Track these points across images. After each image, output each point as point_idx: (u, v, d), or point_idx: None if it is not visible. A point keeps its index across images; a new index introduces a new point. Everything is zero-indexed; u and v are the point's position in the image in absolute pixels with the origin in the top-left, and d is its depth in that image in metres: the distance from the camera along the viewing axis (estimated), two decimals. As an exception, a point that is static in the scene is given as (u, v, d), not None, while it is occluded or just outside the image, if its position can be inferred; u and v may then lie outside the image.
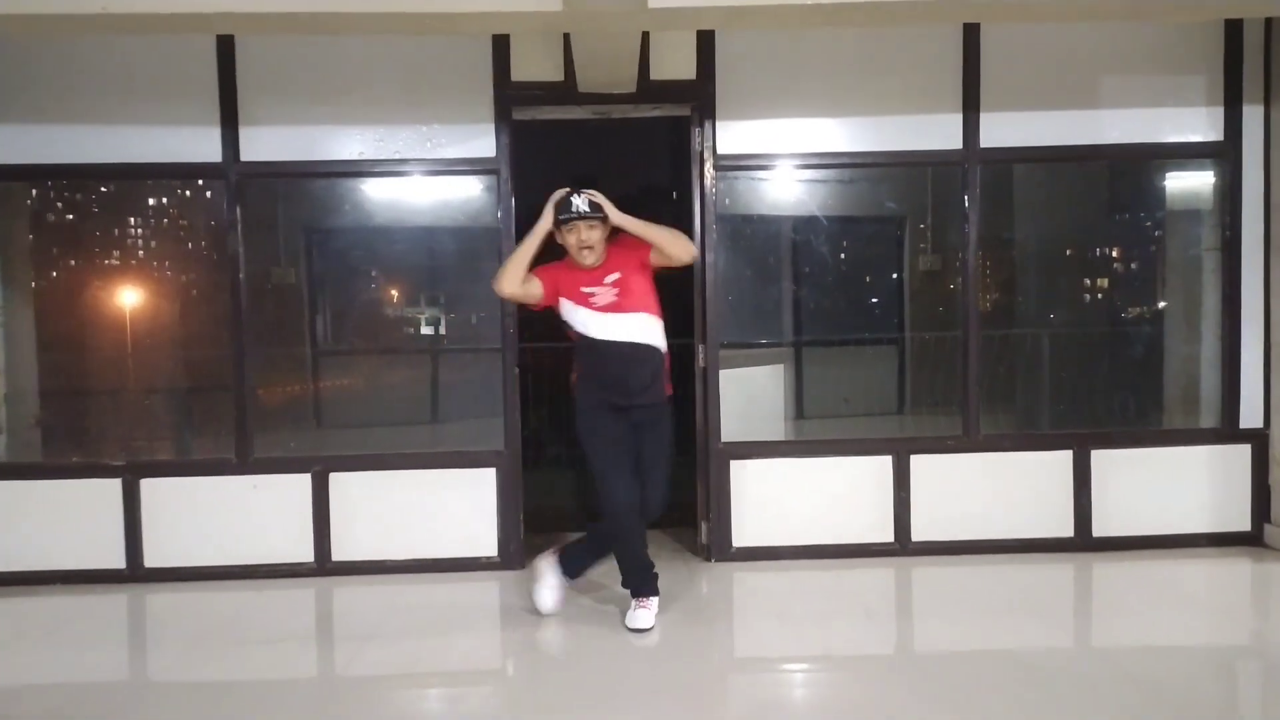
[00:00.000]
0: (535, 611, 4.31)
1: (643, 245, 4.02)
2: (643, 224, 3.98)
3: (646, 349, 4.05)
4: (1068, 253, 6.13)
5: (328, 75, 4.91)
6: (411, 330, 5.54)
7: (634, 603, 4.18)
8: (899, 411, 6.18)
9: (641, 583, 4.20)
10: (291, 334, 5.48)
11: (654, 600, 4.20)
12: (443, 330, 5.53)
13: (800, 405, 5.88)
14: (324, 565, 4.97)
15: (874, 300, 6.19)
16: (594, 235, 3.98)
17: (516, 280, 4.00)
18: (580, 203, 3.95)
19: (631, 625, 4.10)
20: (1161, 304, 5.66)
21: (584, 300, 4.04)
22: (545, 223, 3.99)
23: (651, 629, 4.09)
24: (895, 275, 6.19)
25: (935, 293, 6.03)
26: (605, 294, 4.03)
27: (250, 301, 4.96)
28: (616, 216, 3.97)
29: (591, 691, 3.46)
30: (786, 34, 4.97)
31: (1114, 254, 6.00)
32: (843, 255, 5.97)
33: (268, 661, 3.89)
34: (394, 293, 5.58)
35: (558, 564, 4.33)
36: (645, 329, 4.05)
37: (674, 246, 3.95)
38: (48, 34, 4.58)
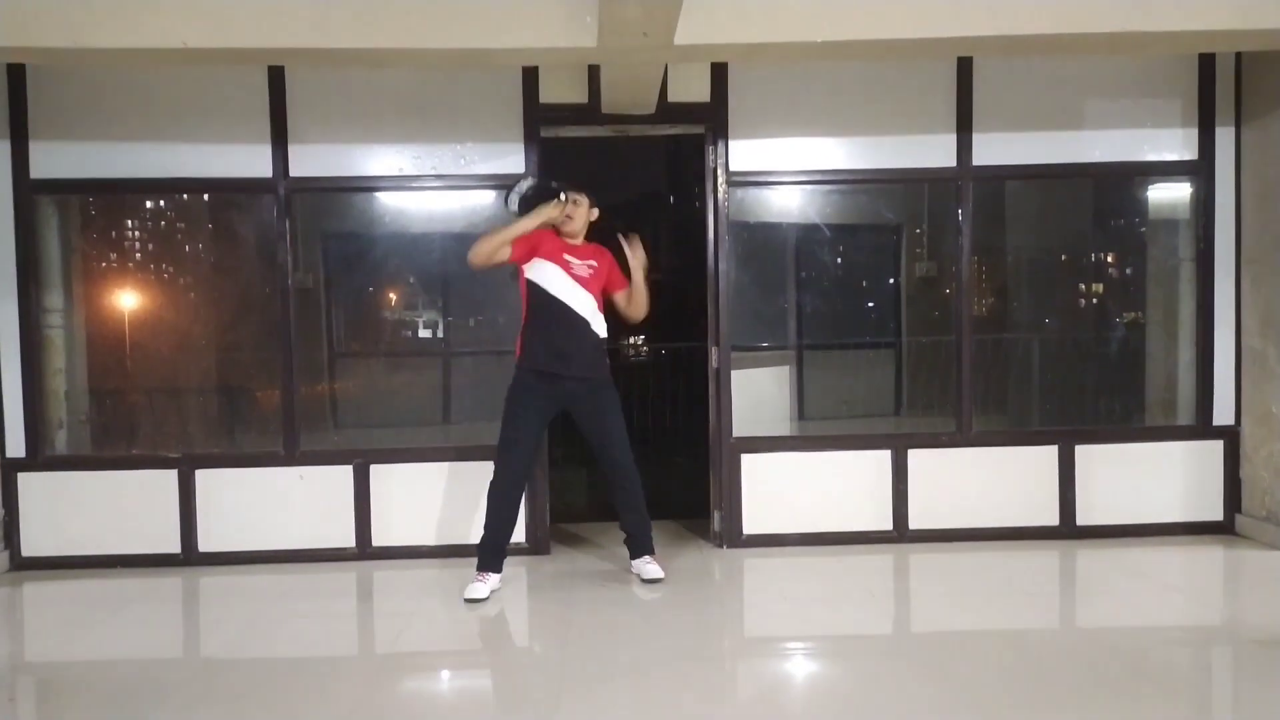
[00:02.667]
0: (564, 592, 4.69)
1: (615, 269, 4.74)
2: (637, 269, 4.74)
3: (593, 329, 4.66)
4: (1055, 262, 6.44)
5: (370, 99, 5.27)
6: (440, 331, 5.89)
7: (475, 575, 4.61)
8: (896, 413, 6.40)
9: (487, 555, 4.64)
10: (328, 337, 5.82)
11: (493, 577, 4.62)
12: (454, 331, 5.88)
13: (802, 408, 6.12)
14: (365, 550, 5.30)
15: (872, 305, 6.44)
16: (579, 210, 4.67)
17: (494, 256, 4.53)
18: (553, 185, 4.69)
19: (466, 595, 4.51)
20: (1142, 311, 5.97)
21: (563, 262, 4.64)
22: (545, 213, 4.58)
23: (485, 600, 4.49)
24: (892, 282, 6.44)
25: (931, 298, 6.28)
26: (583, 268, 4.66)
27: (297, 307, 5.33)
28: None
29: (614, 666, 3.68)
30: (793, 64, 5.28)
31: (1097, 264, 6.33)
32: (843, 263, 6.23)
33: (316, 640, 4.15)
34: (423, 298, 5.94)
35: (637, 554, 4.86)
36: (597, 313, 4.69)
37: (640, 303, 4.78)
38: (132, 66, 4.95)
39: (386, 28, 4.13)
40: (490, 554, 4.66)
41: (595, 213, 4.76)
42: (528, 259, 4.63)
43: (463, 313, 5.93)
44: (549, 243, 4.65)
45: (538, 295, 4.63)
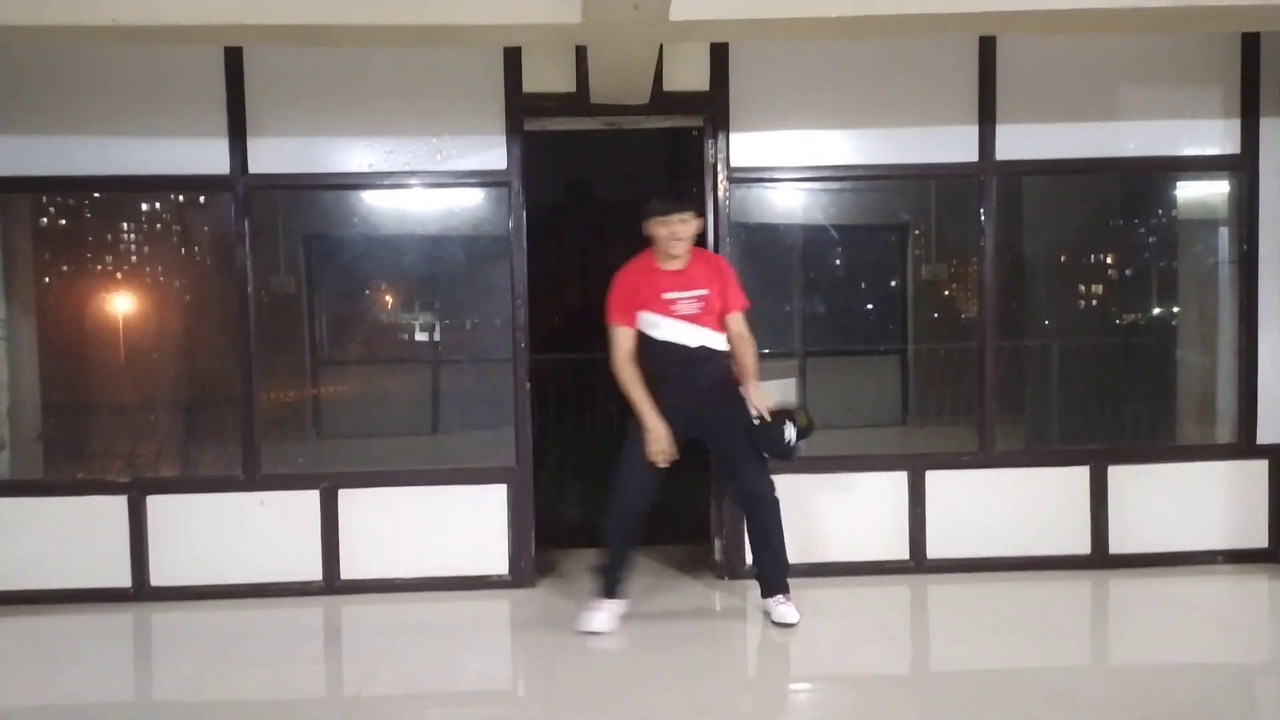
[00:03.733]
0: (550, 629, 4.36)
1: (729, 288, 4.31)
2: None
3: (715, 352, 4.29)
4: (1080, 264, 6.13)
5: (337, 86, 4.87)
6: (421, 338, 5.51)
7: (594, 603, 4.33)
8: (904, 422, 6.15)
9: (610, 584, 4.36)
10: (295, 345, 5.43)
11: (615, 604, 4.34)
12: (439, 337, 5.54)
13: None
14: (332, 583, 4.91)
15: (880, 309, 6.19)
16: (687, 229, 4.20)
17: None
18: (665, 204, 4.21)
19: (581, 627, 4.24)
20: (1177, 318, 5.64)
21: (665, 308, 4.24)
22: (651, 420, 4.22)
23: (606, 633, 4.23)
24: (895, 284, 6.18)
25: (943, 301, 6.01)
26: (689, 304, 4.25)
27: (257, 314, 4.91)
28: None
29: (604, 713, 3.44)
30: (800, 45, 4.93)
31: (1127, 266, 6.01)
32: (852, 265, 5.97)
33: (278, 681, 3.89)
34: (402, 303, 5.56)
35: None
36: (714, 339, 4.29)
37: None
38: (54, 44, 4.55)
39: (344, 1, 3.69)
40: (609, 578, 4.39)
41: (699, 223, 4.35)
42: (636, 320, 4.30)
43: (450, 316, 5.58)
44: (646, 288, 4.27)
45: (645, 341, 4.30)
